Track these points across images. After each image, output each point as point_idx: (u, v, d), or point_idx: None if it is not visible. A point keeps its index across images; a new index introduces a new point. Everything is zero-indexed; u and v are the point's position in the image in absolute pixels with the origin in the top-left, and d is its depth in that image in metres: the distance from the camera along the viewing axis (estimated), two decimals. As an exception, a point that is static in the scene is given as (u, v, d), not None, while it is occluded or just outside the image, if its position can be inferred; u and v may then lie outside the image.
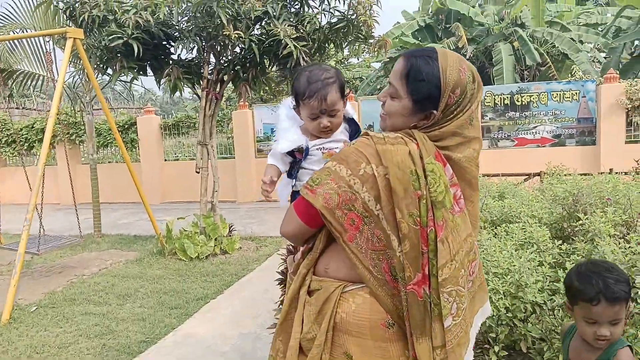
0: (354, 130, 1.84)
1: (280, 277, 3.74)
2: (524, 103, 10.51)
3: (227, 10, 6.04)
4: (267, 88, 7.77)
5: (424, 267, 1.39)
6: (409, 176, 1.37)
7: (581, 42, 15.69)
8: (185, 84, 7.03)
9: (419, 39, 16.85)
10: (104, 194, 12.59)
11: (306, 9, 6.67)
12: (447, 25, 16.76)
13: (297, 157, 1.75)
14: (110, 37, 6.20)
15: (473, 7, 16.69)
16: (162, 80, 6.93)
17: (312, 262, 1.58)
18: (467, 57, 14.82)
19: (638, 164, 6.79)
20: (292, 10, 6.67)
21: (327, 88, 1.68)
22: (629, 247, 2.61)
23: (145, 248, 7.71)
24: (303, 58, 6.22)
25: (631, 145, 10.08)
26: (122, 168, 11.67)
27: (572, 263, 2.63)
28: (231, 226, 7.72)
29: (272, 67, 7.16)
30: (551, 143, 10.49)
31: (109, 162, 13.54)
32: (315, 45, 6.64)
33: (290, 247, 3.46)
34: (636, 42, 15.56)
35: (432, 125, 1.48)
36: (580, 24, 16.76)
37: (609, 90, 10.02)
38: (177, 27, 6.65)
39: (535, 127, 10.45)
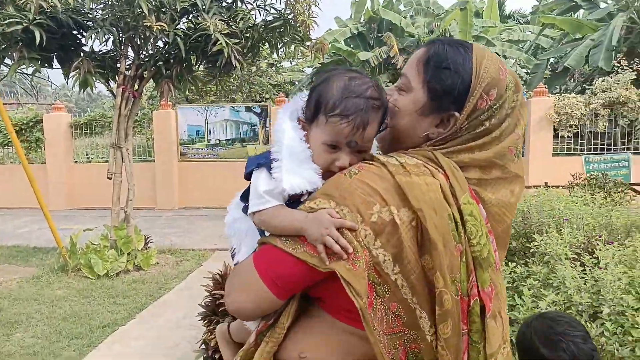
0: None
1: (204, 310, 3.16)
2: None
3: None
4: (193, 87, 7.13)
5: (462, 355, 1.02)
6: (448, 223, 1.01)
7: (505, 57, 16.26)
8: (97, 79, 6.27)
9: (352, 46, 16.73)
10: (5, 198, 11.24)
11: (239, 4, 6.13)
12: (379, 35, 16.77)
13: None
14: (7, 22, 5.32)
15: (405, 17, 16.84)
16: (72, 74, 6.10)
17: (274, 347, 1.12)
18: (398, 67, 14.87)
19: (574, 178, 6.84)
20: (224, 4, 6.11)
21: (370, 113, 1.12)
22: (586, 270, 2.55)
23: (45, 263, 6.82)
24: (235, 57, 5.69)
25: (558, 158, 10.41)
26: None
27: (529, 288, 2.54)
28: (147, 238, 7.02)
29: (199, 65, 6.55)
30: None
31: (12, 162, 12.18)
32: (249, 43, 6.12)
33: (217, 293, 2.91)
34: (556, 59, 16.39)
35: (452, 139, 1.12)
36: (504, 39, 17.39)
37: (538, 104, 10.36)
38: (89, 14, 5.88)
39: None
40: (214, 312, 2.98)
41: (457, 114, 1.11)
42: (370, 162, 1.09)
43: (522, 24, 20.96)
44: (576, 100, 10.51)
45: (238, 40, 5.79)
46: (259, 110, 11.37)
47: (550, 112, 10.26)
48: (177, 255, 7.19)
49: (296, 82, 18.59)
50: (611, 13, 14.28)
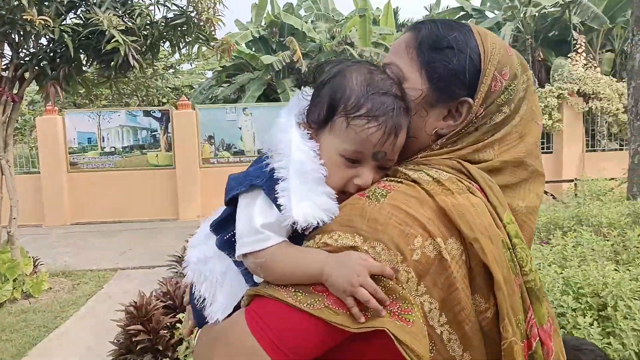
0: None
1: (117, 349, 2.71)
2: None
3: (28, -13, 4.71)
4: (82, 90, 6.44)
5: None
6: (504, 252, 0.85)
7: (402, 63, 16.85)
8: (-33, 80, 5.43)
9: (254, 49, 16.43)
10: None
11: (135, -1, 5.62)
12: (281, 39, 16.64)
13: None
14: None
15: (306, 22, 16.86)
16: None
17: None
18: (302, 71, 14.84)
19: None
20: (119, -1, 5.56)
21: (402, 116, 0.91)
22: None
23: None
24: (133, 56, 5.19)
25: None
26: None
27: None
28: (36, 260, 6.25)
29: (91, 65, 5.91)
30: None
31: None
32: (148, 42, 5.62)
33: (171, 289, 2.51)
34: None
35: (467, 133, 0.95)
36: (400, 46, 18.04)
37: None
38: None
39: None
40: (129, 350, 2.56)
41: (470, 99, 0.94)
42: (398, 180, 0.88)
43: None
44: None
45: (136, 38, 5.29)
46: (159, 115, 10.68)
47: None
48: (72, 278, 6.47)
49: (196, 86, 17.91)
50: (499, 23, 15.36)
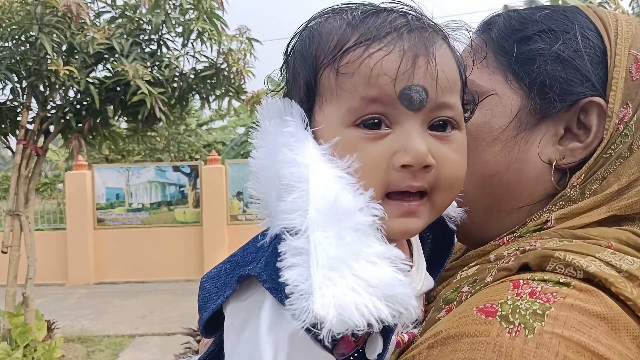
0: (441, 247, 0.70)
1: None
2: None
3: (55, 39, 4.58)
4: (112, 145, 6.25)
5: None
6: None
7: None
8: (-6, 133, 5.33)
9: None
10: None
11: (165, 50, 5.45)
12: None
13: (334, 352, 0.53)
14: None
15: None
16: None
17: None
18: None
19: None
20: (147, 50, 5.41)
21: (427, 35, 0.56)
22: None
23: None
24: (159, 108, 4.95)
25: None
26: None
27: None
28: (52, 323, 5.87)
29: (118, 118, 5.71)
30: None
31: None
32: (176, 94, 5.42)
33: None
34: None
35: (617, 160, 0.64)
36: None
37: None
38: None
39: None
40: None
41: (599, 99, 0.65)
42: (557, 278, 0.54)
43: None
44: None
45: (163, 90, 5.08)
46: (188, 170, 10.50)
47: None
48: (88, 344, 6.08)
49: (227, 143, 18.00)
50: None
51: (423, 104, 0.54)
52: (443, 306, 0.61)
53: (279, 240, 0.50)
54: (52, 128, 5.52)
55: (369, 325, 0.45)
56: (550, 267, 0.55)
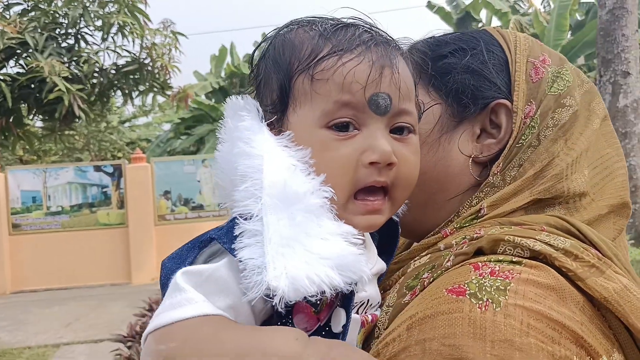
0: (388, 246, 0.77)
1: None
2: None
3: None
4: (26, 145, 5.88)
5: None
6: None
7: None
8: None
9: (213, 100, 16.21)
10: None
11: (83, 44, 5.20)
12: (242, 89, 16.55)
13: (295, 323, 0.58)
14: None
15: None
16: None
17: None
18: (262, 121, 14.79)
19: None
20: (64, 45, 5.14)
21: (390, 49, 0.64)
22: None
23: None
24: (79, 106, 4.74)
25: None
26: None
27: None
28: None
29: (33, 117, 5.39)
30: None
31: None
32: (96, 90, 5.19)
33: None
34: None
35: (528, 149, 0.74)
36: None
37: None
38: None
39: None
40: None
41: (504, 100, 0.75)
42: (511, 258, 0.62)
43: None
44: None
45: (82, 87, 4.86)
46: (111, 170, 10.03)
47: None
48: (6, 358, 5.64)
49: (152, 140, 17.40)
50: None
51: (388, 109, 0.62)
52: (406, 292, 0.67)
53: (236, 224, 0.56)
54: (-43, 128, 5.12)
55: (323, 292, 0.51)
56: (501, 249, 0.63)
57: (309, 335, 0.55)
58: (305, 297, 0.52)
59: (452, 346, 0.53)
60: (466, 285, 0.58)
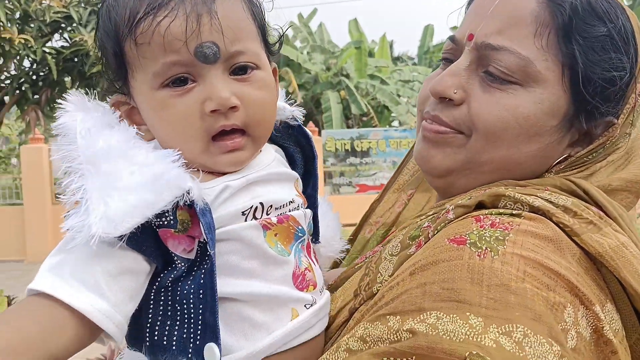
0: (306, 156, 0.82)
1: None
2: (363, 149, 10.50)
3: (8, 6, 4.41)
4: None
5: None
6: None
7: (399, 95, 16.80)
8: (-58, 103, 5.10)
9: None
10: None
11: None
12: (277, 69, 16.62)
13: (171, 249, 0.63)
14: None
15: (302, 53, 16.84)
16: None
17: None
18: (298, 102, 14.76)
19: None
20: (107, 19, 5.29)
21: None
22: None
23: None
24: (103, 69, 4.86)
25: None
26: None
27: None
28: (12, 299, 5.72)
29: (76, 89, 5.58)
30: (390, 190, 10.52)
31: None
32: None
33: None
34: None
35: (592, 164, 0.72)
36: (396, 79, 18.03)
37: None
38: None
39: (375, 173, 10.40)
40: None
41: (616, 120, 0.71)
42: (512, 211, 0.64)
43: (409, 65, 22.06)
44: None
45: (124, 61, 5.00)
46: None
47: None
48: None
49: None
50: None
51: (217, 56, 0.63)
52: (410, 243, 0.69)
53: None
54: (6, 99, 5.37)
55: (159, 216, 0.58)
56: (502, 204, 0.65)
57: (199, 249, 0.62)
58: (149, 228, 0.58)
59: (450, 289, 0.55)
60: (467, 235, 0.61)
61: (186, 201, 0.59)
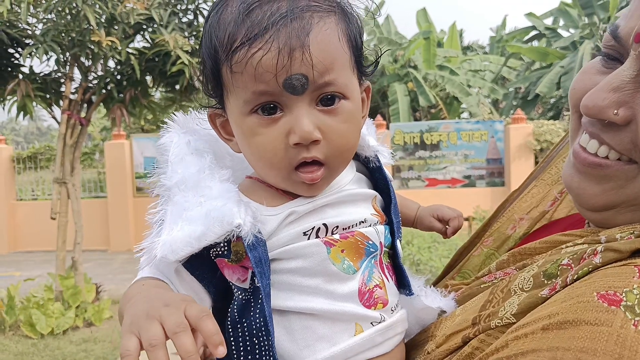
0: (380, 183, 0.79)
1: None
2: (433, 142, 10.28)
3: (97, 10, 4.67)
4: (149, 114, 6.38)
5: None
6: None
7: (469, 86, 16.30)
8: (38, 104, 5.47)
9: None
10: None
11: (201, 19, 5.49)
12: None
13: (228, 278, 0.69)
14: None
15: (368, 45, 16.72)
16: (10, 99, 5.33)
17: None
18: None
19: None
20: (185, 20, 5.46)
21: (308, 23, 0.62)
22: None
23: (-26, 321, 5.76)
24: (198, 78, 5.00)
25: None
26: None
27: None
28: (99, 286, 6.12)
29: (157, 88, 5.82)
30: (462, 184, 10.27)
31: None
32: (213, 63, 5.46)
33: None
34: (518, 88, 16.63)
35: None
36: (466, 69, 17.49)
37: (517, 131, 10.15)
38: (27, 29, 5.11)
39: (446, 167, 10.15)
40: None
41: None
42: None
43: (478, 53, 21.31)
44: (555, 126, 10.35)
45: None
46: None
47: (529, 139, 10.07)
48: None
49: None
50: (575, 42, 14.57)
51: (305, 87, 0.63)
52: (545, 282, 0.58)
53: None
54: (94, 98, 5.68)
55: (212, 247, 0.64)
56: None
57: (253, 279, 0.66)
58: (197, 255, 0.64)
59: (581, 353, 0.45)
60: (624, 294, 0.48)
61: (237, 235, 0.63)
